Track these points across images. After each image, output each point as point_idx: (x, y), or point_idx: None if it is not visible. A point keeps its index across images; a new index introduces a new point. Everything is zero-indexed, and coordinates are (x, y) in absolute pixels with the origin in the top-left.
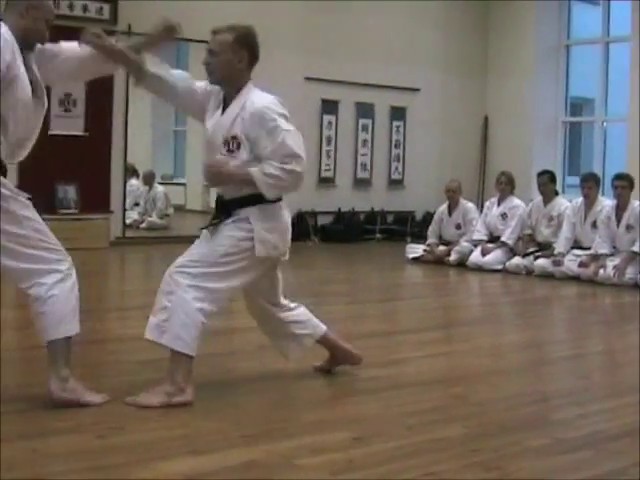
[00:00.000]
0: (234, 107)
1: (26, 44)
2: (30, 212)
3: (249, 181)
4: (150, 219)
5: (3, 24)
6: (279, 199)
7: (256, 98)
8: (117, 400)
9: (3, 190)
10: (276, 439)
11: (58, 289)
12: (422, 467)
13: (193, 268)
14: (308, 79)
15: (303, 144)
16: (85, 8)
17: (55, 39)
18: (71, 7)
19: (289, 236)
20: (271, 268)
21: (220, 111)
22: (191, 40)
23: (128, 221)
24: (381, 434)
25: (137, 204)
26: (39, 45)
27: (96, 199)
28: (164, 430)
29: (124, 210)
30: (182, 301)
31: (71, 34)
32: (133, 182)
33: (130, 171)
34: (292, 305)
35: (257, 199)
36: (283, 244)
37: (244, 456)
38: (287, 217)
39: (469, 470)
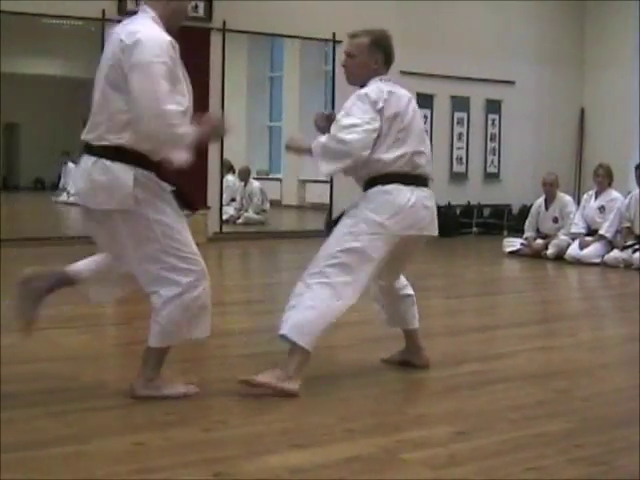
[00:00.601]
0: None
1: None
2: (165, 217)
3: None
4: (247, 214)
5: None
6: (393, 181)
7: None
8: (221, 394)
9: (140, 193)
10: (380, 433)
11: (173, 304)
12: (525, 462)
13: (316, 267)
14: (403, 73)
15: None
16: None
17: None
18: None
19: (406, 215)
20: (403, 249)
21: None
22: (284, 35)
23: (225, 216)
24: (483, 428)
25: (233, 200)
26: None
27: (193, 195)
28: (268, 424)
29: (221, 206)
30: (310, 299)
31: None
32: (229, 178)
33: (226, 167)
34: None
35: (371, 182)
36: (394, 223)
37: (348, 450)
38: (404, 198)
39: (573, 465)
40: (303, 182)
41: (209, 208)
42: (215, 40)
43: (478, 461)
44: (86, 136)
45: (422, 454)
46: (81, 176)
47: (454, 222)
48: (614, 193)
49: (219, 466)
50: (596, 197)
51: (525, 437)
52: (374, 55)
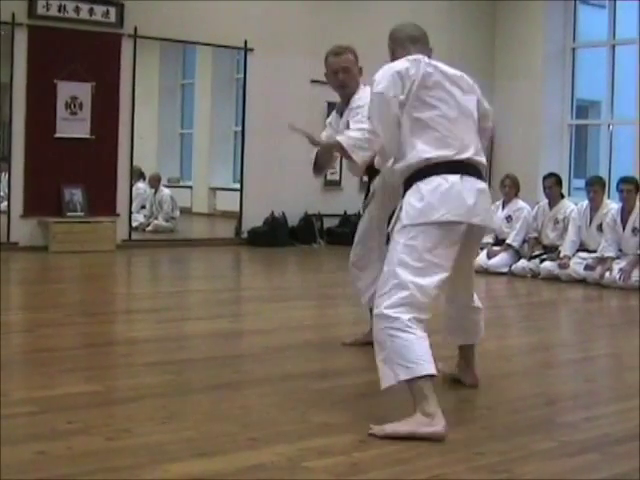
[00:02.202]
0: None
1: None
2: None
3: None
4: (156, 222)
5: None
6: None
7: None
8: (125, 402)
9: None
10: (283, 442)
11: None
12: (427, 470)
13: None
14: (314, 82)
15: None
16: (91, 11)
17: (61, 43)
18: (77, 10)
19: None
20: None
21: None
22: (196, 43)
23: (135, 224)
24: (386, 437)
25: (144, 207)
26: None
27: (103, 202)
28: (172, 433)
29: (130, 213)
30: None
31: (78, 37)
32: (140, 185)
33: (136, 174)
34: None
35: None
36: None
37: (251, 459)
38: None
39: (475, 473)
40: (213, 190)
41: (118, 215)
42: (126, 46)
43: (381, 469)
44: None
45: (325, 462)
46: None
47: None
48: (520, 203)
49: (121, 475)
50: (503, 207)
51: (428, 445)
52: (357, 66)
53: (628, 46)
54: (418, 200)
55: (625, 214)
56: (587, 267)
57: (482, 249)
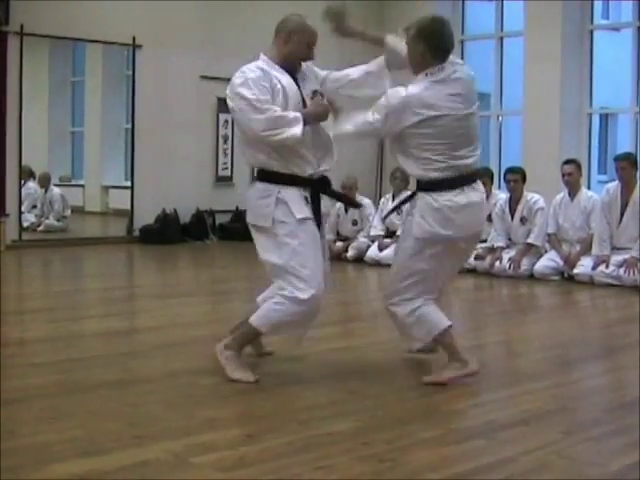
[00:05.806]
0: None
1: (291, 66)
2: (291, 239)
3: None
4: (47, 221)
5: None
6: None
7: None
8: (9, 403)
9: (277, 213)
10: (169, 438)
11: (283, 305)
12: (312, 461)
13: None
14: (204, 77)
15: None
16: None
17: None
18: None
19: None
20: None
21: None
22: (85, 40)
23: (25, 224)
24: (273, 430)
25: (35, 207)
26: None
27: None
28: (57, 433)
29: (20, 213)
30: None
31: None
32: (30, 185)
33: (27, 173)
34: None
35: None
36: None
37: (137, 456)
38: None
39: (360, 463)
40: (106, 188)
41: (7, 215)
42: (13, 44)
43: (267, 462)
44: None
45: (211, 457)
46: None
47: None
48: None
49: (6, 476)
50: (393, 199)
51: (314, 437)
52: (417, 47)
53: (516, 38)
54: None
55: (513, 204)
56: (477, 257)
57: (373, 241)
